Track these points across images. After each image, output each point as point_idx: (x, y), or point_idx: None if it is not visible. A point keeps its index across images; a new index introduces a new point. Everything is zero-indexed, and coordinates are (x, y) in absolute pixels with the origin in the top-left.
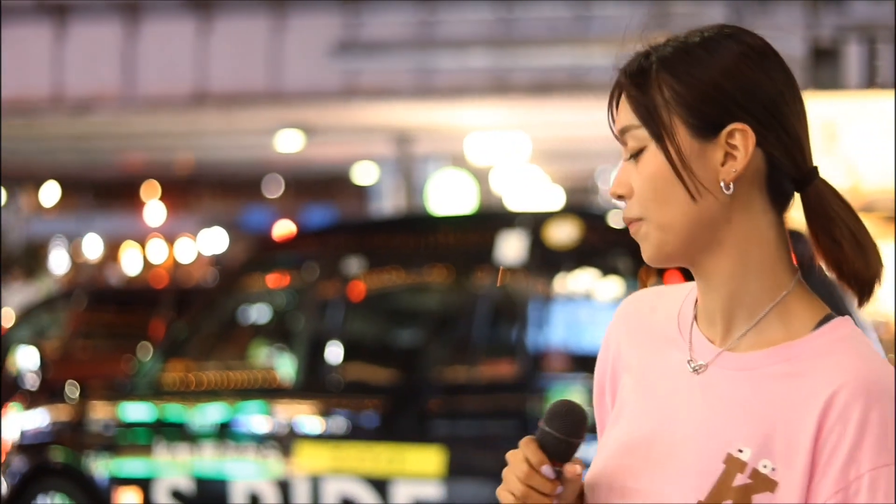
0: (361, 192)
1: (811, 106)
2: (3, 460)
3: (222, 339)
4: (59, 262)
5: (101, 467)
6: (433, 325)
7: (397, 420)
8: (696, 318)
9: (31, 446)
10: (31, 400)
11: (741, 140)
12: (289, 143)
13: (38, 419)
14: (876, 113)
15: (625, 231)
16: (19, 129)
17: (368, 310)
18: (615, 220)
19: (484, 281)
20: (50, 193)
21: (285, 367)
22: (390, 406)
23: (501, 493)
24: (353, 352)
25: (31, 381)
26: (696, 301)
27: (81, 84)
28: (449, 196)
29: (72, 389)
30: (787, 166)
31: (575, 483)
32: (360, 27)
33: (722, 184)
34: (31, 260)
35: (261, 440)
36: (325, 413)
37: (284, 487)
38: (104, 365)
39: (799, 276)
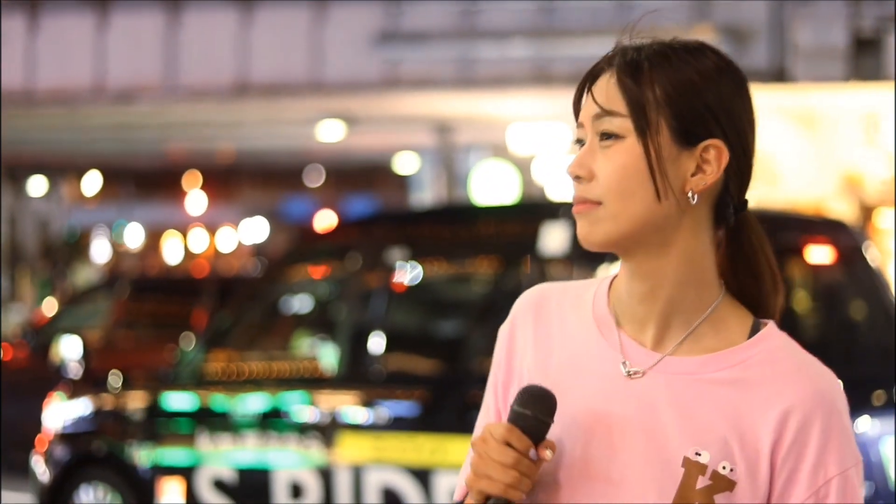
0: (402, 182)
1: (853, 97)
2: (46, 449)
3: (265, 329)
4: (100, 251)
5: (143, 457)
6: (476, 316)
7: (439, 411)
8: (618, 324)
9: (73, 436)
10: (74, 389)
11: (715, 156)
12: (330, 132)
13: (80, 408)
14: None
15: None
16: (61, 118)
17: (411, 300)
18: None
19: (527, 271)
20: (92, 183)
21: (328, 357)
22: (432, 397)
23: (479, 482)
24: (396, 342)
25: (74, 371)
26: (609, 302)
27: (123, 74)
28: (491, 186)
29: (114, 379)
30: (736, 191)
31: (541, 466)
32: (401, 17)
33: (690, 193)
34: (73, 249)
35: (303, 430)
36: (368, 403)
37: (326, 477)
38: (147, 354)
39: (725, 288)
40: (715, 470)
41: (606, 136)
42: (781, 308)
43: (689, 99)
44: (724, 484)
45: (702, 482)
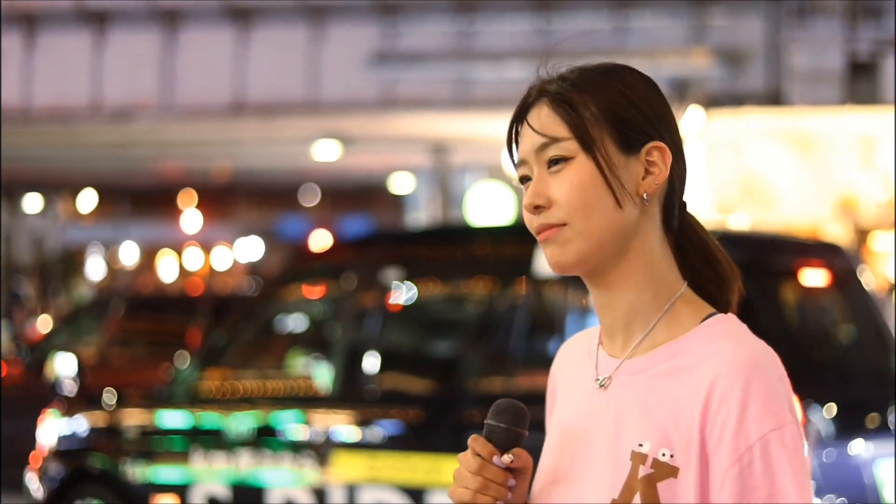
0: (398, 202)
1: (849, 120)
2: (40, 466)
3: (259, 347)
4: (95, 268)
5: (137, 474)
6: (470, 336)
7: (434, 430)
8: (601, 341)
9: (68, 452)
10: (69, 406)
11: (659, 156)
12: (326, 152)
13: (75, 425)
14: None
15: None
16: (58, 136)
17: (405, 320)
18: None
19: (521, 292)
20: (87, 201)
21: (322, 376)
22: (427, 416)
23: (455, 491)
24: (390, 362)
25: (69, 388)
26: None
27: (120, 92)
28: (487, 207)
29: (109, 396)
30: (680, 190)
31: (525, 477)
32: (397, 37)
33: (645, 195)
34: (68, 267)
35: (297, 448)
36: (362, 422)
37: (320, 495)
38: (141, 372)
39: (687, 284)
40: (655, 458)
41: (554, 161)
42: (742, 292)
43: (623, 108)
44: (665, 471)
45: (643, 471)
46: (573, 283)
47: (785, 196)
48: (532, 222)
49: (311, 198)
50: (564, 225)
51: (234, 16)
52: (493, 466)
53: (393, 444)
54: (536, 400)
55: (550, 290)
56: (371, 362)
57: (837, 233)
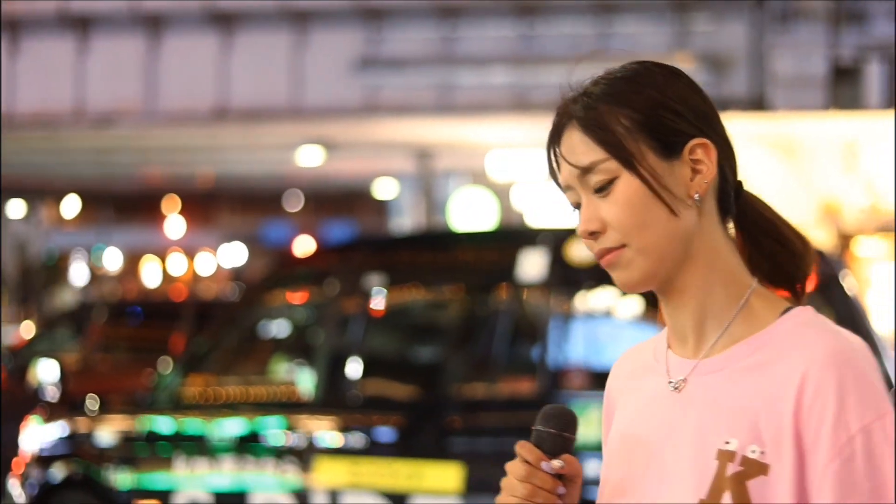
0: (381, 208)
1: (832, 125)
2: (22, 472)
3: (242, 353)
4: (79, 274)
5: (120, 480)
6: (453, 342)
7: (416, 436)
8: (669, 345)
9: (50, 458)
10: (51, 412)
11: (704, 153)
12: (309, 158)
13: (57, 431)
14: None
15: None
16: (41, 142)
17: (388, 326)
18: None
19: (504, 298)
20: (70, 206)
21: (305, 381)
22: (409, 422)
23: (504, 498)
24: (373, 367)
25: (52, 394)
26: (666, 334)
27: (103, 98)
28: (470, 212)
29: (92, 402)
30: (731, 176)
31: (574, 485)
32: (381, 43)
33: (696, 196)
34: (52, 272)
35: (280, 454)
36: (345, 428)
37: (303, 501)
38: (124, 378)
39: (764, 266)
40: (744, 455)
41: (600, 187)
42: (818, 262)
43: (656, 114)
44: (755, 468)
45: (732, 469)
46: (556, 287)
47: (769, 201)
48: (591, 248)
49: (294, 203)
50: (624, 246)
51: (217, 21)
52: (542, 473)
53: (375, 449)
54: (517, 405)
55: (533, 296)
56: (354, 368)
57: (820, 238)
